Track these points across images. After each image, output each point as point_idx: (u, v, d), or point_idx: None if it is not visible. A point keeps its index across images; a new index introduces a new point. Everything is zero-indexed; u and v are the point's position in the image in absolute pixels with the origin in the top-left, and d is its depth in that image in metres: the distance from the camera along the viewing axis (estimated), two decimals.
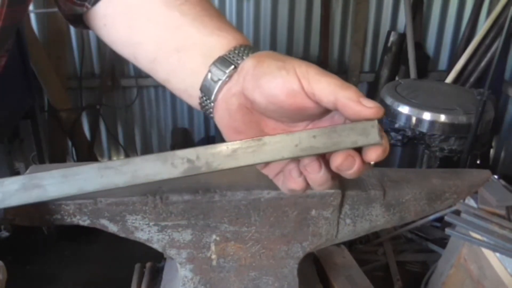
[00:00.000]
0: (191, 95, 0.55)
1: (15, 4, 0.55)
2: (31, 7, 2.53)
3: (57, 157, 2.90)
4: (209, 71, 0.52)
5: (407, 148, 2.38)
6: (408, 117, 2.16)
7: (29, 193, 0.48)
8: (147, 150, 3.25)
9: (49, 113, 2.85)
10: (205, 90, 0.53)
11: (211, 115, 0.54)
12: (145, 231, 0.88)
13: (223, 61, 0.51)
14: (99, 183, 0.48)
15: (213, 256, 0.94)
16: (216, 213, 0.88)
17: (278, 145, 0.46)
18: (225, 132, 0.53)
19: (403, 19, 3.00)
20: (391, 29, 3.06)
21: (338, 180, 0.54)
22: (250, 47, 0.53)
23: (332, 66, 3.14)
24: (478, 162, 2.81)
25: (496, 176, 1.77)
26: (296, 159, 0.48)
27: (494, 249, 1.46)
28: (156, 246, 0.91)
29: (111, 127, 3.13)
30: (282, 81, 0.46)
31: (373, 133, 0.44)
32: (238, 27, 2.93)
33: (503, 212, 1.55)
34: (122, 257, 2.16)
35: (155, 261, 1.46)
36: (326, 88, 0.45)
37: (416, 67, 2.88)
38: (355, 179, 0.60)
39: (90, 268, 2.33)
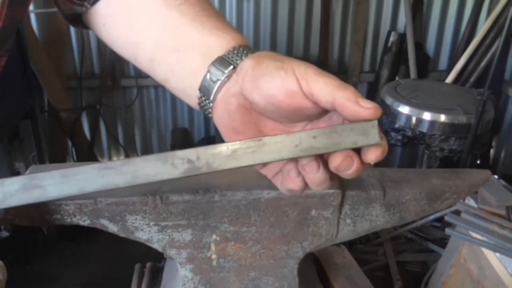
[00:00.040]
0: (190, 95, 0.56)
1: (15, 4, 0.55)
2: (31, 7, 2.53)
3: (57, 157, 2.90)
4: (208, 71, 0.52)
5: (407, 148, 2.38)
6: (408, 117, 2.16)
7: (29, 194, 0.48)
8: (147, 150, 3.25)
9: (49, 113, 2.84)
10: (204, 90, 0.53)
11: (210, 115, 0.54)
12: (145, 231, 0.88)
13: (222, 61, 0.51)
14: (99, 183, 0.48)
15: (213, 256, 0.94)
16: (216, 213, 0.88)
17: (278, 145, 0.46)
18: (224, 132, 0.53)
19: (403, 19, 3.00)
20: (391, 29, 3.06)
21: (338, 180, 0.54)
22: (249, 48, 0.53)
23: (332, 66, 3.14)
24: (478, 162, 2.81)
25: (496, 176, 1.77)
26: (295, 159, 0.48)
27: (494, 249, 1.46)
28: (156, 246, 0.91)
29: (111, 127, 3.13)
30: (281, 81, 0.46)
31: (373, 134, 0.44)
32: (238, 27, 2.94)
33: (503, 212, 1.55)
34: (122, 257, 2.15)
35: (155, 261, 1.45)
36: (324, 88, 0.45)
37: (416, 67, 2.88)
38: (355, 179, 0.60)
39: (90, 268, 2.33)
